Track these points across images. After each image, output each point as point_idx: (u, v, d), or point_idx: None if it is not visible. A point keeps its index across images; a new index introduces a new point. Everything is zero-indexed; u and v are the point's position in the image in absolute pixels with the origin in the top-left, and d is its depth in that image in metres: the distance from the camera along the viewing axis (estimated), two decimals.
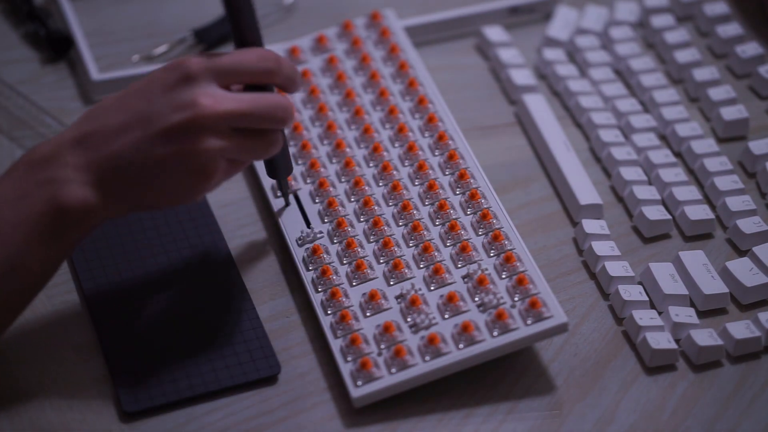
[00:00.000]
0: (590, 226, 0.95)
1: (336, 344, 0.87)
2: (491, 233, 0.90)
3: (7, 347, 0.87)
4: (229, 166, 0.83)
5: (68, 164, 0.79)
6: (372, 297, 0.88)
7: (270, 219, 0.97)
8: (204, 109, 0.80)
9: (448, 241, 0.91)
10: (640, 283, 0.92)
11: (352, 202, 0.95)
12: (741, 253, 0.95)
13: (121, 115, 0.80)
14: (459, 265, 0.89)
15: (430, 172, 0.95)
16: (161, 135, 0.80)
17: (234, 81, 0.82)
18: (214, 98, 0.80)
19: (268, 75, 0.83)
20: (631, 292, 0.91)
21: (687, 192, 0.98)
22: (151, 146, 0.80)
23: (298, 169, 0.98)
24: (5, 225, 0.77)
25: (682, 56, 1.08)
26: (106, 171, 0.79)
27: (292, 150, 0.99)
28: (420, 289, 0.89)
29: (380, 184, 0.96)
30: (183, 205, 0.90)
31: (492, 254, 0.90)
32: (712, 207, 0.98)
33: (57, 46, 1.09)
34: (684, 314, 0.89)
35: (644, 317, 0.89)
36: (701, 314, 0.91)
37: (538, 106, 1.04)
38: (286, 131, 1.01)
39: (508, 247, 0.89)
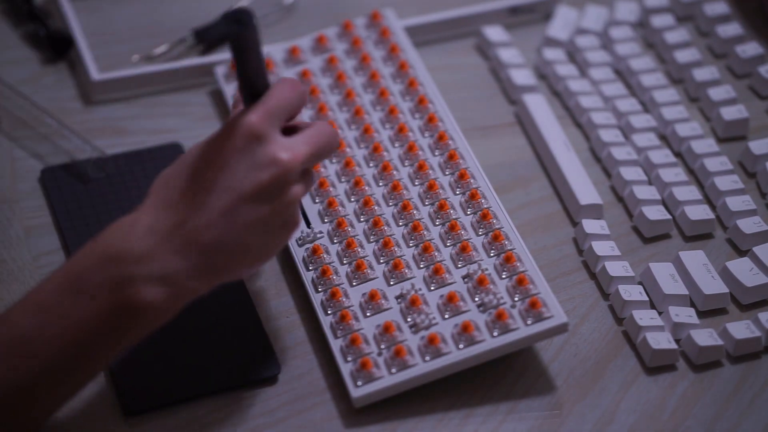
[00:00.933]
0: (590, 226, 0.95)
1: (336, 344, 0.87)
2: (491, 233, 0.90)
3: None
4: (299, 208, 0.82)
5: (144, 261, 0.74)
6: (372, 297, 0.88)
7: None
8: (286, 163, 0.78)
9: (448, 241, 0.91)
10: (640, 283, 0.92)
11: (352, 202, 0.95)
12: (741, 253, 0.95)
13: (193, 194, 0.77)
14: (459, 265, 0.89)
15: (430, 172, 0.95)
16: (249, 200, 0.77)
17: (287, 120, 0.81)
18: (290, 149, 0.78)
19: (304, 102, 0.82)
20: (631, 292, 0.91)
21: (687, 192, 0.98)
22: (243, 213, 0.77)
23: None
24: (76, 317, 0.73)
25: (682, 56, 1.08)
26: (191, 258, 0.76)
27: None
28: (420, 289, 0.89)
29: (380, 184, 0.96)
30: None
31: (492, 254, 0.90)
32: (712, 207, 0.98)
33: (57, 46, 1.09)
34: (684, 314, 0.89)
35: (644, 317, 0.89)
36: (701, 314, 0.91)
37: (538, 106, 1.04)
38: None
39: (508, 247, 0.89)
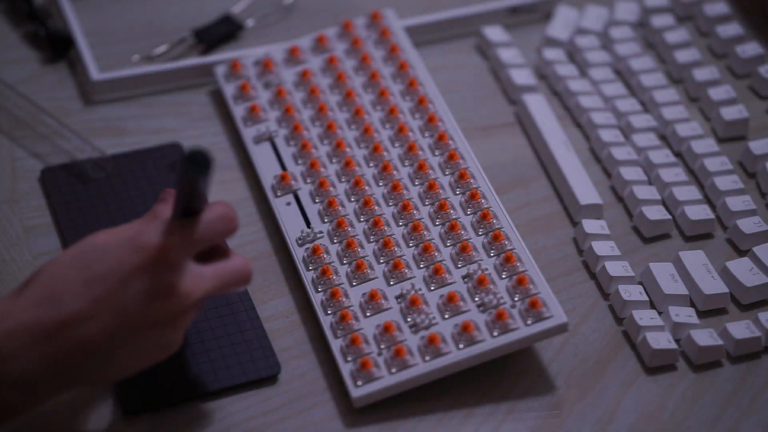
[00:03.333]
0: (590, 226, 0.95)
1: (336, 344, 0.87)
2: (491, 233, 0.90)
3: None
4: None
5: (15, 360, 0.71)
6: (372, 297, 0.88)
7: (270, 219, 0.97)
8: (187, 295, 0.75)
9: (448, 241, 0.91)
10: (640, 283, 0.92)
11: (352, 202, 0.95)
12: (741, 253, 0.95)
13: (86, 301, 0.73)
14: (459, 265, 0.89)
15: (430, 172, 0.95)
16: (138, 325, 0.74)
17: (204, 248, 0.78)
18: (194, 283, 0.76)
19: (232, 231, 0.79)
20: (631, 292, 0.91)
21: (687, 192, 0.98)
22: (123, 335, 0.74)
23: (298, 169, 0.98)
24: None
25: (682, 56, 1.08)
26: (59, 365, 0.72)
27: (292, 150, 1.00)
28: (420, 289, 0.88)
29: (380, 184, 0.96)
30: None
31: (492, 254, 0.90)
32: (712, 207, 0.98)
33: (57, 46, 1.08)
34: (684, 314, 0.89)
35: (644, 317, 0.89)
36: (701, 314, 0.91)
37: (538, 106, 1.04)
38: (287, 131, 1.01)
39: (508, 247, 0.89)
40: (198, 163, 0.73)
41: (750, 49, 1.09)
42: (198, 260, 0.78)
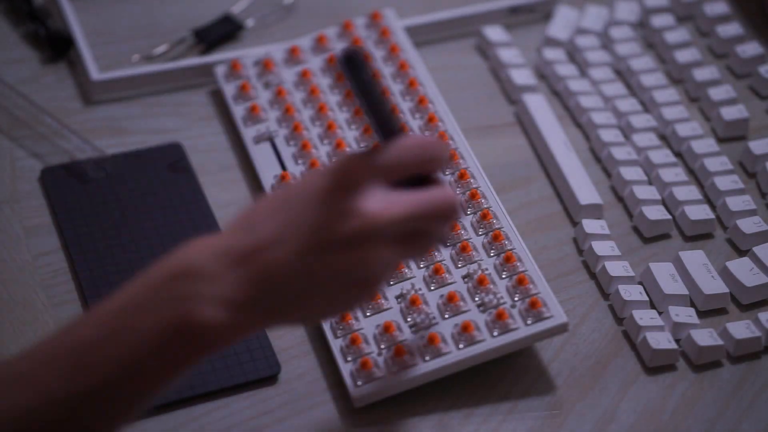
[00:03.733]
0: (590, 226, 0.95)
1: (336, 344, 0.87)
2: (491, 233, 0.90)
3: (7, 349, 0.87)
4: (388, 270, 0.76)
5: (212, 281, 0.71)
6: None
7: None
8: (373, 217, 0.73)
9: (448, 241, 0.91)
10: (640, 283, 0.92)
11: None
12: (741, 253, 0.95)
13: (276, 225, 0.73)
14: (459, 265, 0.89)
15: None
16: (327, 247, 0.72)
17: (398, 176, 0.75)
18: (382, 203, 0.73)
19: (431, 163, 0.76)
20: (631, 292, 0.90)
21: (687, 192, 0.98)
22: (313, 259, 0.72)
23: (298, 169, 0.98)
24: (134, 330, 0.70)
25: (683, 56, 1.08)
26: (258, 289, 0.72)
27: (292, 150, 0.99)
28: (420, 289, 0.88)
29: None
30: (182, 211, 0.88)
31: (492, 254, 0.89)
32: (712, 207, 0.98)
33: (57, 46, 1.08)
34: (684, 314, 0.89)
35: (644, 317, 0.89)
36: (701, 314, 0.91)
37: (538, 106, 1.04)
38: (287, 131, 1.01)
39: (508, 247, 0.89)
40: (351, 61, 0.75)
41: (750, 48, 1.08)
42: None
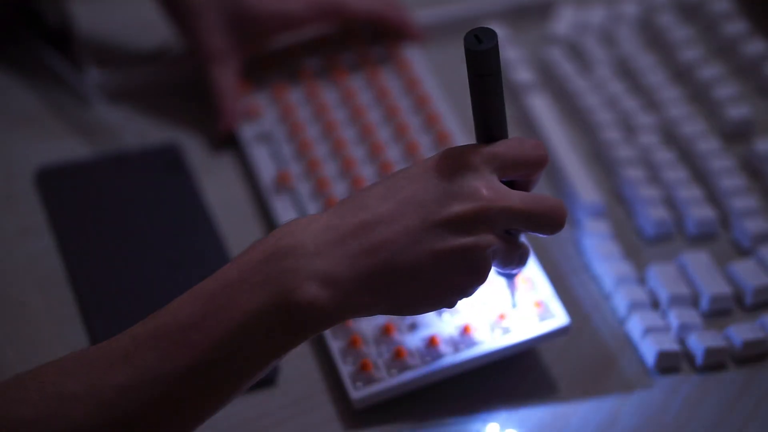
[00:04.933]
0: (592, 226, 0.95)
1: (336, 346, 0.86)
2: None
3: (2, 349, 0.88)
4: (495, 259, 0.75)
5: (314, 257, 0.71)
6: None
7: (269, 219, 0.97)
8: (489, 201, 0.72)
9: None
10: (642, 284, 0.92)
11: None
12: (745, 254, 0.94)
13: (386, 206, 0.72)
14: None
15: None
16: (439, 226, 0.72)
17: (513, 174, 0.75)
18: (498, 192, 0.73)
19: (541, 165, 0.75)
20: (634, 294, 0.90)
21: (691, 192, 0.97)
22: (427, 238, 0.71)
23: (297, 169, 0.98)
24: (235, 308, 0.70)
25: (686, 54, 1.08)
26: (362, 266, 0.71)
27: (291, 149, 0.99)
28: None
29: None
30: (179, 211, 0.88)
31: None
32: (717, 207, 0.97)
33: (54, 45, 1.09)
34: (687, 316, 0.89)
35: (647, 319, 0.88)
36: (705, 316, 0.90)
37: (539, 106, 1.04)
38: (287, 130, 1.01)
39: None
40: (481, 39, 0.71)
41: (755, 46, 1.08)
42: None
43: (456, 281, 0.73)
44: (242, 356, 0.70)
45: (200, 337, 0.69)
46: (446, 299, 0.74)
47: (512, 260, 0.76)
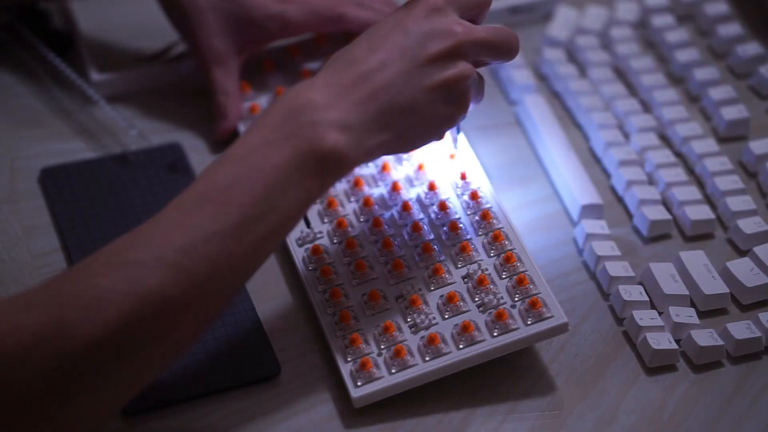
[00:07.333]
0: (590, 226, 0.95)
1: (336, 344, 0.86)
2: (491, 233, 0.90)
3: None
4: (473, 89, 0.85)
5: (327, 109, 0.79)
6: (372, 297, 0.88)
7: None
8: (462, 35, 0.82)
9: (448, 241, 0.91)
10: (640, 283, 0.92)
11: (352, 202, 0.95)
12: (741, 253, 0.95)
13: (379, 53, 0.81)
14: (459, 266, 0.89)
15: None
16: (425, 65, 0.82)
17: (468, 14, 0.85)
18: (467, 27, 0.83)
19: (487, 4, 0.86)
20: (632, 293, 0.90)
21: (687, 192, 0.98)
22: (418, 76, 0.81)
23: None
24: (267, 165, 0.77)
25: (683, 56, 1.08)
26: (369, 109, 0.80)
27: None
28: (420, 289, 0.88)
29: (380, 184, 0.95)
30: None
31: (492, 254, 0.89)
32: (713, 207, 0.98)
33: (57, 46, 1.08)
34: (684, 314, 0.89)
35: (644, 317, 0.88)
36: (702, 314, 0.91)
37: (538, 106, 1.04)
38: None
39: (508, 247, 0.89)
40: None
41: (750, 48, 1.08)
42: None
43: (447, 112, 0.83)
44: (282, 207, 0.77)
45: (242, 195, 0.76)
46: (438, 130, 0.85)
47: (481, 90, 0.86)
